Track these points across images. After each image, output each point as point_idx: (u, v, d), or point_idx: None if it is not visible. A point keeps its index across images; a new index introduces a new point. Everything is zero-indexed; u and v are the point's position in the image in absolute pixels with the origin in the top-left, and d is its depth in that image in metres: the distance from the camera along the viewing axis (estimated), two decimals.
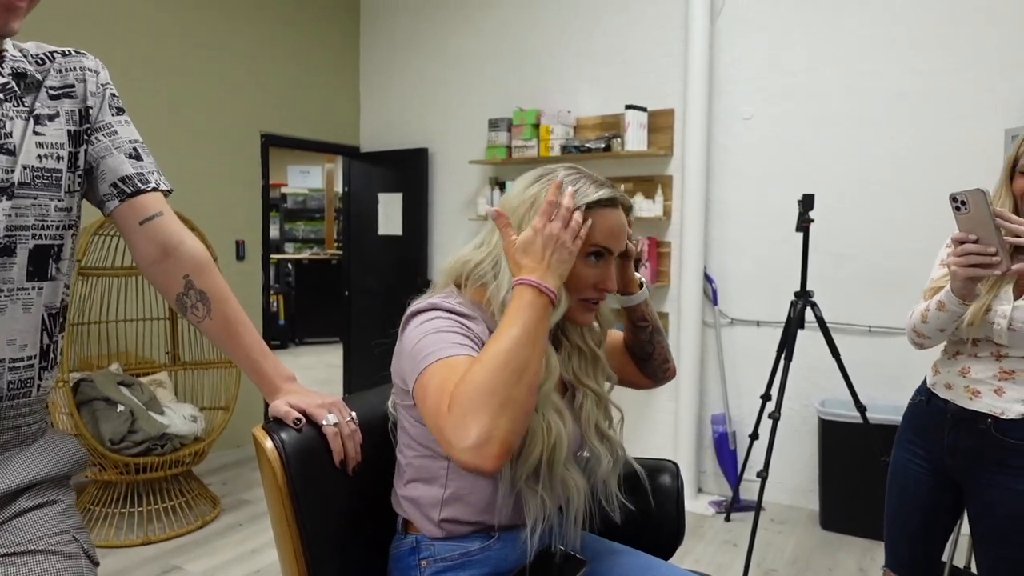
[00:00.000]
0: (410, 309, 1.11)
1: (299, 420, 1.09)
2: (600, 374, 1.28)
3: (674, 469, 1.39)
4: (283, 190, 9.22)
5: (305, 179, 9.58)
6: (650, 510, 1.33)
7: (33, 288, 0.99)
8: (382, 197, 4.71)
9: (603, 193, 1.10)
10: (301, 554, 1.02)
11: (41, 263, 1.00)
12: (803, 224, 2.84)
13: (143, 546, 2.99)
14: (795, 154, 3.37)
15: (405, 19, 4.64)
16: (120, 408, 3.09)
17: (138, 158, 1.11)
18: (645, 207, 3.60)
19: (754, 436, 3.10)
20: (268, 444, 1.03)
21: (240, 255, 4.28)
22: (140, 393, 3.26)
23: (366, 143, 4.91)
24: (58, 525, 1.00)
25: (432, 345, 1.02)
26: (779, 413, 2.78)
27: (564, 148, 3.77)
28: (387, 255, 4.71)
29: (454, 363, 0.97)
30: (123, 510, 3.12)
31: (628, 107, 3.55)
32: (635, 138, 3.56)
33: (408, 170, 4.57)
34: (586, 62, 3.91)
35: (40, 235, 0.99)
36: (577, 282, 1.10)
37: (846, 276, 3.29)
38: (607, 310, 1.25)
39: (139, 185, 1.10)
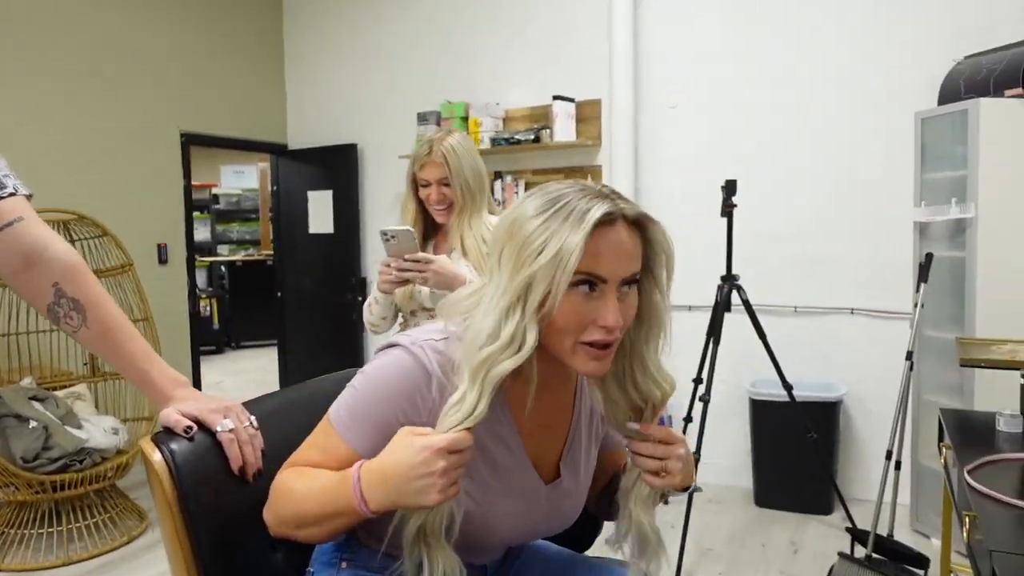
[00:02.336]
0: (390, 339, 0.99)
1: (190, 428, 1.03)
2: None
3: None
4: (214, 190, 8.94)
5: (240, 179, 9.30)
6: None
7: None
8: (312, 195, 4.60)
9: (595, 212, 0.86)
10: (195, 572, 0.97)
11: None
12: (727, 209, 2.89)
13: (64, 567, 2.85)
14: (721, 141, 3.43)
15: (330, 9, 4.54)
16: (32, 424, 2.94)
17: None
18: None
19: (688, 419, 3.13)
20: (156, 456, 0.97)
21: (163, 259, 4.12)
22: (55, 407, 3.10)
23: (293, 140, 4.79)
24: None
25: (348, 403, 0.96)
26: (709, 396, 2.82)
27: (494, 141, 3.75)
28: (319, 254, 4.61)
29: (331, 448, 0.95)
30: (41, 530, 2.96)
31: (556, 98, 3.54)
32: (564, 129, 3.56)
33: (337, 167, 4.47)
34: (513, 53, 3.89)
35: None
36: (568, 320, 0.89)
37: (772, 259, 3.37)
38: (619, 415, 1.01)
39: None
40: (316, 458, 0.96)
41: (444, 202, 1.98)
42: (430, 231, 2.07)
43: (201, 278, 8.19)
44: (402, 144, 4.20)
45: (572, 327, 0.89)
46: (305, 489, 0.93)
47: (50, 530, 2.97)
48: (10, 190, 1.03)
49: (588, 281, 0.88)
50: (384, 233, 1.80)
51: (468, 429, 0.86)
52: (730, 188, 2.87)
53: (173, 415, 1.04)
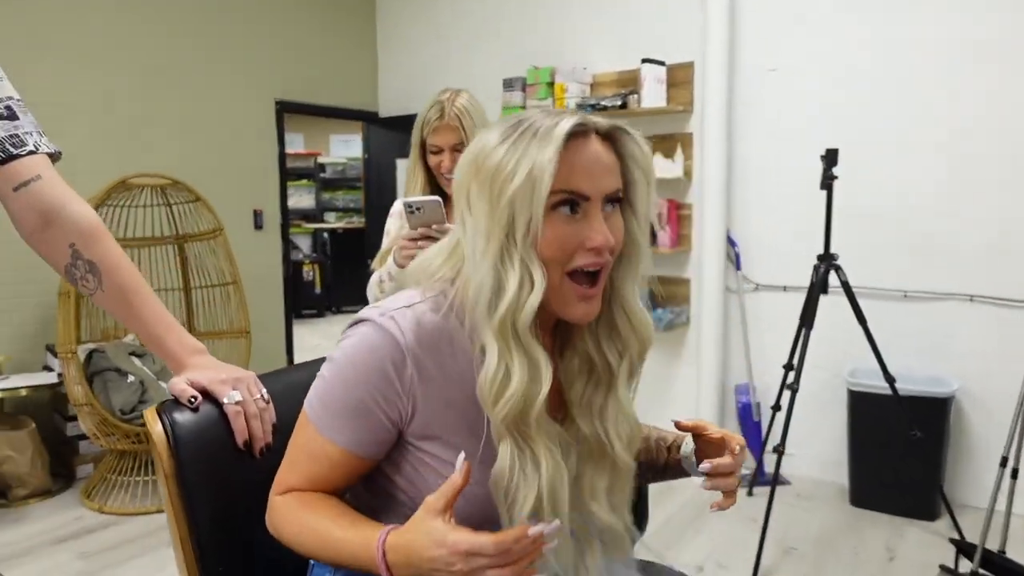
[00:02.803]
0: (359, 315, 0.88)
1: (195, 398, 0.99)
2: (618, 413, 0.93)
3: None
4: (320, 159, 9.22)
5: (347, 148, 9.55)
6: None
7: None
8: (400, 163, 4.61)
9: (563, 125, 0.79)
10: (189, 546, 0.94)
11: None
12: (827, 181, 2.63)
13: (158, 512, 3.02)
14: (824, 107, 3.12)
15: None
16: (131, 379, 3.11)
17: (11, 118, 1.01)
18: (664, 167, 3.41)
19: (776, 408, 2.92)
20: (156, 428, 0.95)
21: (258, 224, 4.26)
22: (152, 363, 3.28)
23: (384, 108, 4.80)
24: None
25: (319, 396, 0.87)
26: (798, 384, 2.61)
27: (579, 107, 3.59)
28: None
29: (318, 452, 0.86)
30: (138, 478, 3.15)
31: (644, 61, 3.34)
32: (652, 94, 3.35)
33: None
34: (602, 14, 3.70)
35: None
36: (553, 248, 0.80)
37: (879, 238, 3.06)
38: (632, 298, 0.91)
39: (11, 150, 0.99)
40: (307, 468, 0.88)
41: (452, 172, 1.79)
42: None
43: (306, 244, 8.51)
44: (488, 111, 4.10)
45: (558, 255, 0.81)
46: (316, 534, 0.84)
47: (147, 478, 3.15)
48: (30, 148, 1.02)
49: (569, 201, 0.80)
50: (408, 205, 1.65)
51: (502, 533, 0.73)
52: (831, 158, 2.60)
53: (180, 384, 1.01)
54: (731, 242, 3.36)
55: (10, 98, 1.03)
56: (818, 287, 2.65)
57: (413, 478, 0.89)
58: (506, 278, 0.80)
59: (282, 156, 4.35)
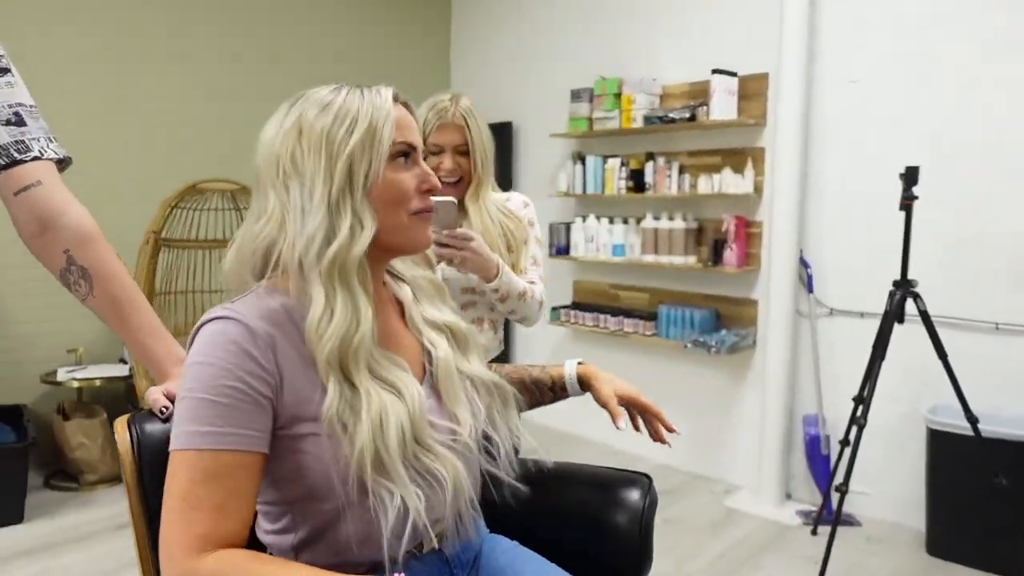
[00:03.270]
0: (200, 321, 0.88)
1: (166, 408, 0.98)
2: (446, 304, 1.09)
3: (646, 483, 1.17)
4: None
5: None
6: (606, 528, 1.13)
7: None
8: None
9: (383, 90, 0.94)
10: (148, 555, 0.93)
11: None
12: (905, 201, 2.44)
13: None
14: (907, 123, 2.90)
15: None
16: None
17: (19, 124, 1.04)
18: (733, 183, 3.26)
19: (845, 442, 2.73)
20: (124, 437, 0.94)
21: None
22: None
23: None
24: None
25: (194, 411, 0.81)
26: (866, 419, 2.42)
27: (647, 119, 3.49)
28: None
29: (212, 473, 0.79)
30: None
31: (715, 72, 3.20)
32: (722, 106, 3.21)
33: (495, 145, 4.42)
34: (673, 24, 3.59)
35: None
36: (399, 194, 0.92)
37: (968, 265, 2.80)
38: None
39: (15, 155, 1.02)
40: (211, 499, 0.79)
41: (456, 173, 1.71)
42: None
43: None
44: (554, 122, 4.06)
45: (402, 197, 0.92)
46: None
47: None
48: (35, 153, 1.04)
49: (405, 151, 0.93)
50: None
51: None
52: (910, 177, 2.41)
53: (154, 393, 1.01)
54: (803, 263, 3.17)
55: (20, 104, 1.05)
56: (892, 316, 2.45)
57: (297, 474, 0.86)
58: (338, 225, 0.86)
59: None
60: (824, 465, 3.10)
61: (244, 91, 3.88)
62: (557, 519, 1.16)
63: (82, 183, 3.31)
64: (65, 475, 3.28)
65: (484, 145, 1.72)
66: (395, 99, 0.94)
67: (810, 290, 3.16)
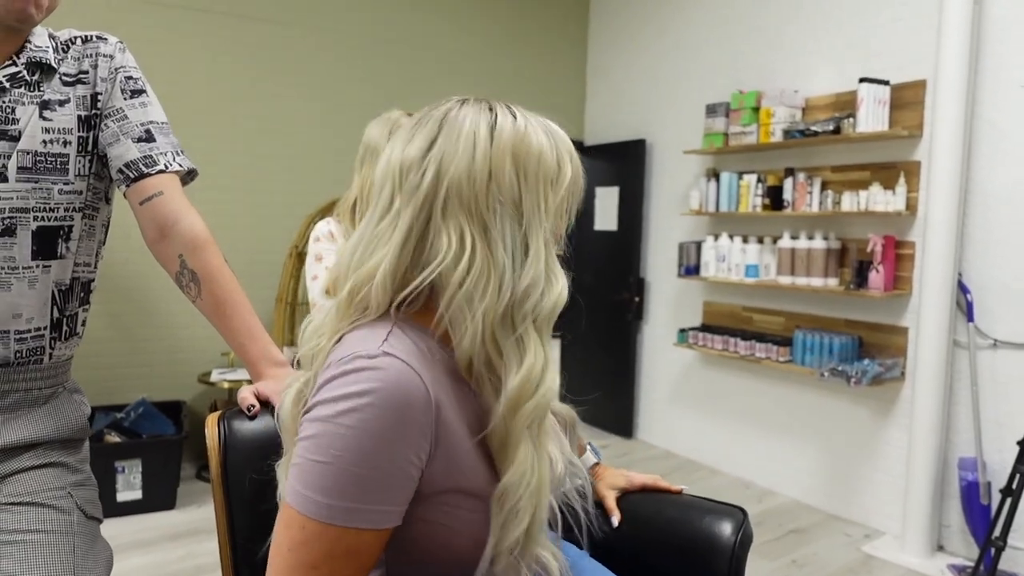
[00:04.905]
0: (330, 360, 0.76)
1: (252, 407, 1.03)
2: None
3: (740, 517, 1.08)
4: None
5: None
6: (693, 559, 1.05)
7: (39, 266, 1.05)
8: (599, 191, 4.58)
9: (563, 133, 0.87)
10: (227, 547, 0.97)
11: (48, 243, 1.06)
12: None
13: None
14: None
15: (632, 5, 4.45)
16: None
17: (149, 140, 1.12)
18: (882, 200, 3.00)
19: (1007, 491, 2.41)
20: (212, 433, 1.00)
21: None
22: None
23: (590, 136, 4.82)
24: (56, 482, 1.07)
25: (320, 478, 0.70)
26: None
27: (787, 133, 3.30)
28: (601, 251, 4.57)
29: (349, 549, 0.71)
30: None
31: (863, 80, 2.98)
32: (871, 117, 2.97)
33: (626, 163, 4.38)
34: (816, 32, 3.38)
35: (44, 217, 1.05)
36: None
37: None
38: None
39: (143, 169, 1.10)
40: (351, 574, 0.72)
41: None
42: None
43: None
44: (689, 138, 3.94)
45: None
46: None
47: None
48: (160, 167, 1.13)
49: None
50: None
51: None
52: None
53: (244, 392, 1.06)
54: (962, 288, 2.86)
55: (152, 122, 1.14)
56: None
57: (411, 545, 0.78)
58: (555, 275, 0.80)
59: None
60: (983, 516, 2.75)
61: (383, 111, 4.08)
62: (640, 543, 1.11)
63: (232, 199, 3.64)
64: None
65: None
66: None
67: (970, 319, 2.84)
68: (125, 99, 1.12)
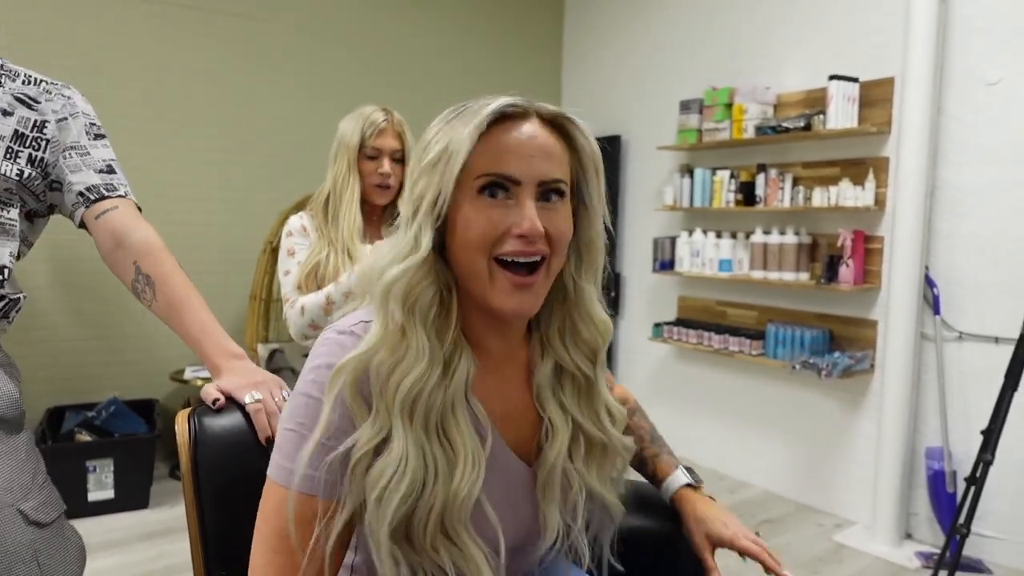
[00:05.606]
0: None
1: (217, 400, 1.03)
2: (603, 414, 0.91)
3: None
4: None
5: None
6: (663, 557, 1.07)
7: None
8: None
9: (493, 105, 0.77)
10: (198, 545, 0.97)
11: None
12: None
13: None
14: None
15: (607, 3, 4.47)
16: None
17: (110, 172, 1.22)
18: (852, 195, 3.05)
19: (971, 480, 2.47)
20: (183, 428, 1.00)
21: None
22: None
23: None
24: None
25: (285, 445, 0.78)
26: (993, 455, 2.19)
27: (759, 129, 3.35)
28: None
29: (286, 513, 0.75)
30: None
31: (832, 78, 3.02)
32: (840, 114, 3.02)
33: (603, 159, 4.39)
34: (788, 29, 3.42)
35: None
36: (473, 229, 0.76)
37: None
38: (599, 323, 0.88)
39: (103, 192, 1.19)
40: (289, 556, 0.76)
41: (388, 179, 1.77)
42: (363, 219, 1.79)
43: None
44: (663, 135, 3.97)
45: (480, 238, 0.76)
46: None
47: None
48: (120, 193, 1.21)
49: (494, 184, 0.76)
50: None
51: None
52: None
53: (207, 388, 1.06)
54: (929, 282, 2.92)
55: (113, 159, 1.24)
56: None
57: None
58: (401, 245, 0.78)
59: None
60: (949, 504, 2.82)
61: (356, 106, 4.06)
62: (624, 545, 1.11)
63: (207, 196, 3.60)
64: None
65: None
66: (515, 116, 0.80)
67: (936, 312, 2.90)
68: (89, 139, 1.21)
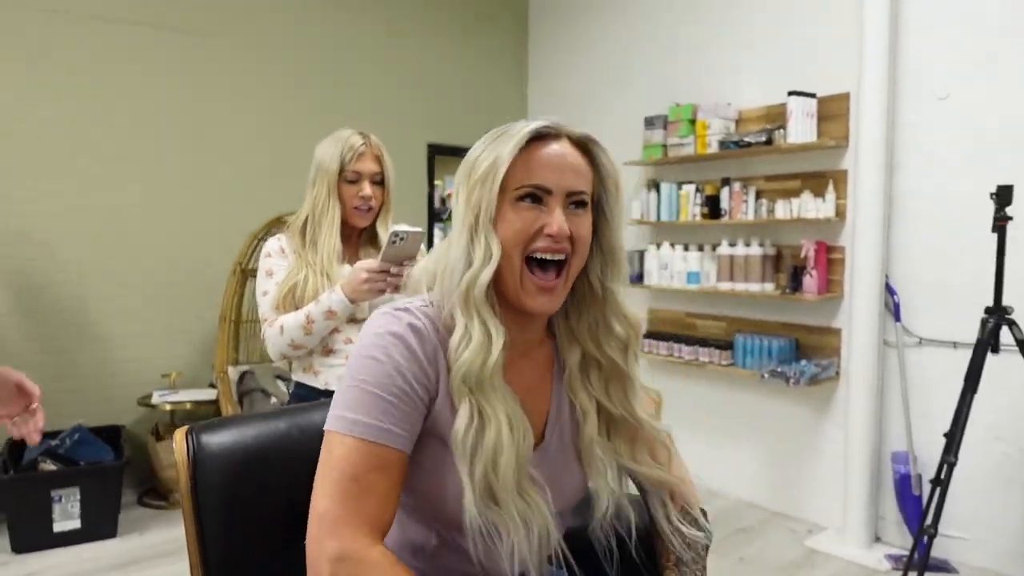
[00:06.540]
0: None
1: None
2: (635, 399, 1.01)
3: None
4: None
5: None
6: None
7: None
8: None
9: (530, 126, 0.91)
10: (199, 566, 0.96)
11: None
12: (998, 223, 2.29)
13: None
14: (1001, 139, 2.73)
15: (571, 21, 4.55)
16: (273, 400, 3.34)
17: None
18: (813, 207, 3.14)
19: (936, 481, 2.53)
20: (181, 447, 0.99)
21: None
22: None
23: None
24: None
25: (355, 403, 0.86)
26: (956, 457, 2.25)
27: (722, 144, 3.42)
28: None
29: (373, 464, 0.84)
30: None
31: (791, 94, 3.12)
32: (800, 129, 3.11)
33: None
34: (749, 47, 3.52)
35: None
36: (512, 230, 0.89)
37: None
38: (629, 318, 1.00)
39: None
40: (359, 499, 0.83)
41: (369, 202, 1.80)
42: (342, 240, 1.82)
43: None
44: (629, 150, 4.03)
45: (517, 237, 0.89)
46: None
47: None
48: None
49: (530, 194, 0.90)
50: (396, 234, 1.60)
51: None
52: (1003, 196, 2.26)
53: None
54: (889, 290, 3.01)
55: None
56: (985, 345, 2.29)
57: (408, 485, 0.91)
58: (473, 254, 0.89)
59: (430, 195, 4.55)
60: (916, 506, 2.89)
61: (326, 125, 4.06)
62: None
63: (168, 217, 3.56)
64: (156, 493, 3.46)
65: (392, 176, 1.86)
66: (547, 136, 0.93)
67: (897, 319, 2.99)
68: None
